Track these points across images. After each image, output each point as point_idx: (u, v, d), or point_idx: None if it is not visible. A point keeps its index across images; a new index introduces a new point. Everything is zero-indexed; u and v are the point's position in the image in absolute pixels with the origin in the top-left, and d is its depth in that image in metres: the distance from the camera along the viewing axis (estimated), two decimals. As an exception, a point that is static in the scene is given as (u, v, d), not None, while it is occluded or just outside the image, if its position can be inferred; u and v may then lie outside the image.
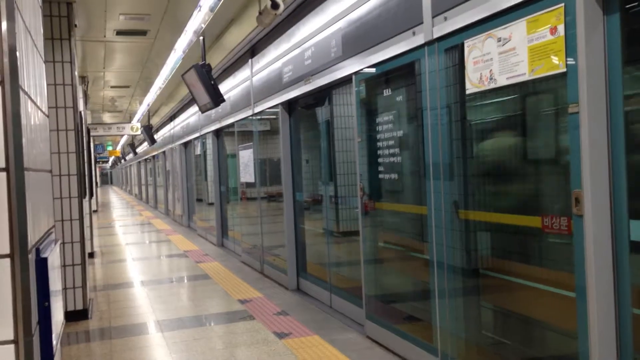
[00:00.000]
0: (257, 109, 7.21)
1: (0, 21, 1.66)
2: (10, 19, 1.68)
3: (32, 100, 2.01)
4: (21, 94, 1.74)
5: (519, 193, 3.14)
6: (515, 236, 3.16)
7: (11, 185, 1.66)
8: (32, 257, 1.80)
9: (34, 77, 2.13)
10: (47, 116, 2.50)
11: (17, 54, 1.72)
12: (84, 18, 6.37)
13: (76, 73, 5.71)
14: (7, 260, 1.67)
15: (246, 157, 8.10)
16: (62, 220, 5.45)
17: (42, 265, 1.84)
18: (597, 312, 2.43)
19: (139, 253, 10.42)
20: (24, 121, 1.75)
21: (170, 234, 13.10)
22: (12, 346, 1.68)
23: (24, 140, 1.71)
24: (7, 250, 1.66)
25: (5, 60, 1.66)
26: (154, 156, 21.09)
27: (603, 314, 2.44)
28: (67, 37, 5.47)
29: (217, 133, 10.31)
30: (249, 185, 8.10)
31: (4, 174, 1.65)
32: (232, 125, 8.74)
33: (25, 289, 1.68)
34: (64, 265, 5.50)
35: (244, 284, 6.99)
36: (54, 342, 1.96)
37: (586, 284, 2.48)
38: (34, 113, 2.05)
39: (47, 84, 5.23)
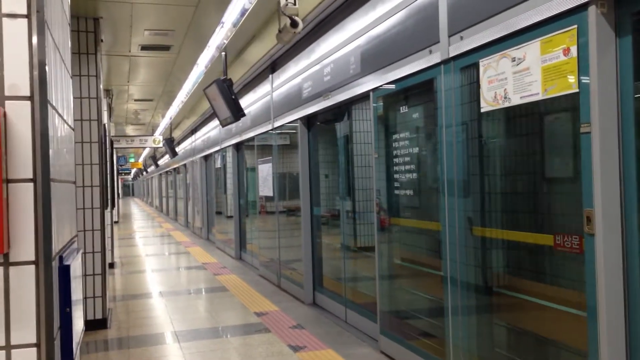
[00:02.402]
0: (277, 124, 7.31)
1: (31, 36, 1.75)
2: (40, 34, 1.77)
3: (59, 114, 2.10)
4: (49, 108, 1.83)
5: (532, 211, 3.17)
6: (528, 254, 3.18)
7: (37, 195, 1.74)
8: (55, 264, 1.87)
9: (61, 91, 2.23)
10: (73, 129, 2.60)
11: (46, 68, 1.80)
12: (110, 33, 6.55)
13: (101, 86, 5.86)
14: (32, 267, 1.74)
15: (265, 171, 8.19)
16: (84, 231, 5.57)
17: (64, 272, 1.91)
18: (608, 331, 2.44)
19: (158, 264, 10.53)
20: (51, 134, 1.83)
21: (189, 246, 13.22)
22: (34, 349, 1.75)
23: (50, 152, 1.80)
24: (32, 257, 1.74)
25: (35, 73, 1.75)
26: (174, 169, 21.33)
27: (613, 333, 2.45)
28: (94, 52, 5.63)
29: (237, 147, 10.43)
30: (267, 199, 8.18)
31: (31, 184, 1.74)
32: (252, 139, 8.85)
33: (48, 295, 1.76)
34: (84, 275, 5.60)
35: (260, 297, 7.05)
36: (74, 348, 2.03)
37: (597, 303, 2.49)
38: (61, 126, 2.14)
39: (73, 97, 5.38)
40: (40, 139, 1.74)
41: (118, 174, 23.06)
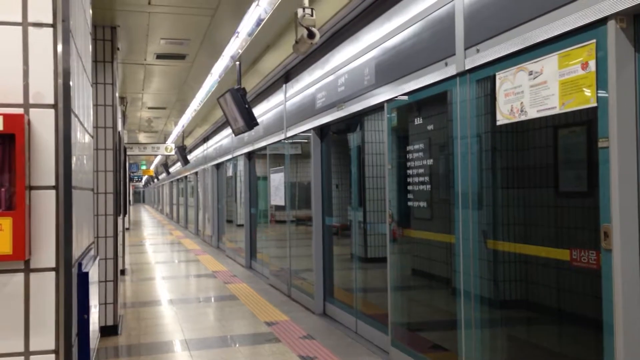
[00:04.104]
0: (290, 133, 7.33)
1: (56, 45, 1.77)
2: (65, 43, 1.79)
3: (80, 122, 2.12)
4: (72, 116, 1.85)
5: (548, 225, 3.15)
6: (543, 268, 3.16)
7: (59, 202, 1.76)
8: (74, 271, 1.89)
9: (83, 99, 2.25)
10: (92, 137, 2.62)
11: (70, 77, 1.83)
12: (126, 42, 6.61)
13: (117, 94, 5.91)
14: (52, 274, 1.76)
15: (277, 181, 8.20)
16: (97, 237, 5.60)
17: (83, 279, 1.92)
18: (625, 348, 2.42)
19: (169, 272, 10.55)
20: (73, 142, 1.85)
21: (199, 254, 13.24)
22: (52, 356, 1.76)
23: (73, 160, 1.82)
24: (52, 264, 1.76)
25: (59, 82, 1.77)
26: (186, 176, 21.41)
27: (631, 350, 2.43)
28: (110, 60, 5.68)
29: (249, 156, 10.46)
30: (278, 208, 8.18)
31: (53, 191, 1.76)
32: (264, 148, 8.88)
33: (67, 301, 1.77)
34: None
35: (270, 306, 7.04)
36: (91, 355, 2.04)
37: (614, 319, 2.47)
38: (82, 134, 2.17)
39: (89, 105, 5.43)
40: (63, 146, 1.76)
41: (130, 180, 23.18)
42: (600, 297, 2.57)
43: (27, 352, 1.74)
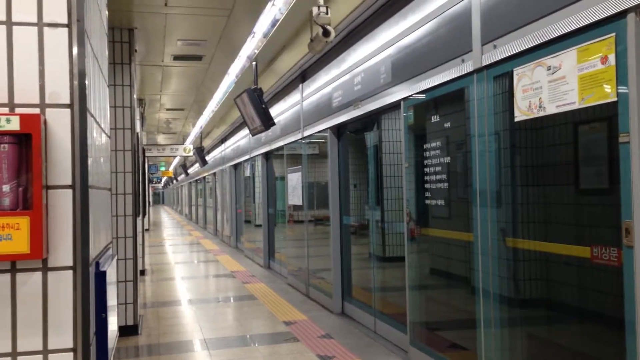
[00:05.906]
0: (307, 133, 7.32)
1: (71, 46, 1.79)
2: (81, 44, 1.81)
3: (97, 122, 2.13)
4: (88, 116, 1.86)
5: (568, 222, 3.11)
6: (563, 266, 3.11)
7: (76, 201, 1.77)
8: (92, 270, 1.90)
9: (99, 100, 2.27)
10: (109, 137, 2.64)
11: (86, 78, 1.84)
12: (144, 43, 6.65)
13: (135, 96, 5.95)
14: (70, 272, 1.77)
15: (294, 180, 8.21)
16: (117, 238, 5.65)
17: (101, 278, 1.94)
18: (648, 346, 2.38)
19: (188, 272, 10.61)
20: (89, 142, 1.86)
21: (218, 254, 13.30)
22: (70, 354, 1.77)
23: (89, 160, 1.83)
24: (70, 263, 1.77)
25: (75, 83, 1.79)
26: (204, 177, 21.53)
27: (654, 348, 2.38)
28: (128, 62, 5.73)
29: (267, 156, 10.49)
30: (296, 208, 8.19)
31: (70, 190, 1.77)
32: (281, 148, 8.89)
33: (85, 300, 1.78)
34: (117, 281, 5.67)
35: (289, 306, 7.04)
36: (109, 354, 2.05)
37: (636, 318, 2.42)
38: (98, 134, 2.18)
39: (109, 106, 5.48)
40: (79, 146, 1.77)
41: (149, 182, 23.36)
42: (621, 295, 2.53)
43: (45, 351, 1.75)
